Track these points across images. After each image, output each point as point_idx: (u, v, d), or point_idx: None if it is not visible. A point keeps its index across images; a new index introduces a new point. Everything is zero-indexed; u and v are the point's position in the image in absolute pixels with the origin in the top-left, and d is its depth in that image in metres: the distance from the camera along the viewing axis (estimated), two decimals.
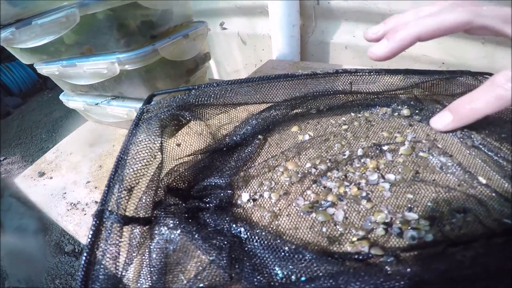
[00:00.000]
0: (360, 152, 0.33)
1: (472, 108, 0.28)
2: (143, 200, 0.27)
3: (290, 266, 0.23)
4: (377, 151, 0.33)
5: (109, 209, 0.24)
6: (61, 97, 0.64)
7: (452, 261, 0.21)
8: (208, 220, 0.28)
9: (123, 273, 0.23)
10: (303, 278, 0.22)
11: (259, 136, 0.38)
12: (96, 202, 0.44)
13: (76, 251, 1.20)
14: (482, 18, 0.26)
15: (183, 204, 0.29)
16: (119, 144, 0.54)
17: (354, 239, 0.25)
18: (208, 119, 0.38)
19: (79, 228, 0.41)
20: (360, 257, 0.23)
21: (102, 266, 0.21)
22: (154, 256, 0.25)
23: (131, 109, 0.51)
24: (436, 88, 0.38)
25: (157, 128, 0.32)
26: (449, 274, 0.19)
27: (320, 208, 0.28)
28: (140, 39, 0.44)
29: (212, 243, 0.25)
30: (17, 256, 1.21)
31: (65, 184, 0.50)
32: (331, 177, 0.31)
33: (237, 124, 0.39)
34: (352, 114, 0.40)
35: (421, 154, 0.32)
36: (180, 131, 0.40)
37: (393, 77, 0.37)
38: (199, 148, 0.36)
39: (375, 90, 0.38)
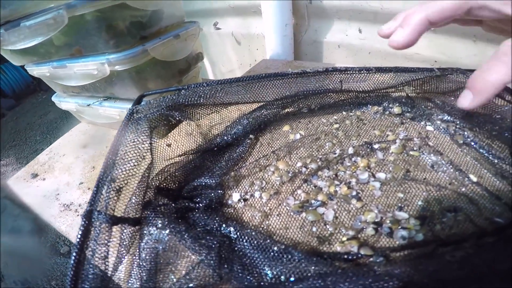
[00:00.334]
0: (351, 150, 0.33)
1: (487, 80, 0.28)
2: (133, 201, 0.27)
3: (280, 266, 0.23)
4: (368, 150, 0.33)
5: (98, 209, 0.24)
6: (53, 98, 0.64)
7: (441, 262, 0.21)
8: (197, 220, 0.28)
9: (113, 273, 0.23)
10: (292, 279, 0.22)
11: (251, 136, 0.37)
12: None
13: (71, 253, 1.19)
14: None
15: (173, 204, 0.29)
16: None
17: (344, 238, 0.25)
18: (199, 119, 0.38)
19: (72, 229, 0.40)
20: (350, 257, 0.23)
21: (91, 266, 0.21)
22: (144, 256, 0.25)
23: (123, 110, 0.50)
24: (427, 86, 0.38)
25: (147, 129, 0.32)
26: (439, 275, 0.19)
27: (310, 208, 0.28)
28: (130, 40, 0.43)
29: (202, 243, 0.25)
30: (13, 257, 1.21)
31: (58, 185, 0.50)
32: (321, 176, 0.31)
33: (229, 124, 0.39)
34: (344, 112, 0.40)
35: (412, 152, 0.32)
36: (170, 132, 0.40)
37: (384, 75, 0.37)
38: (190, 149, 0.36)
39: (366, 89, 0.38)
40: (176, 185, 0.33)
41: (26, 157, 1.89)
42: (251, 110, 0.40)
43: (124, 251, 0.25)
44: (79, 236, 0.22)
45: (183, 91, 0.35)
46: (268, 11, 0.75)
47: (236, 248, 0.25)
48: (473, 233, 0.24)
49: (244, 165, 0.35)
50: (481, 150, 0.31)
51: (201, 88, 0.35)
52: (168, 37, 0.47)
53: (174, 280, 0.24)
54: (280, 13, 0.74)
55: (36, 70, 0.54)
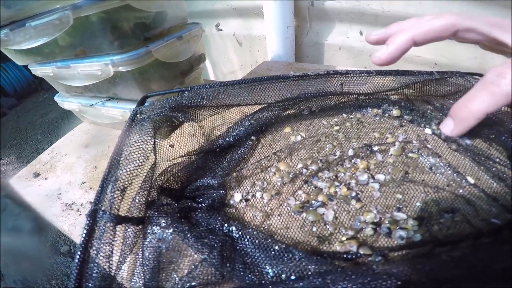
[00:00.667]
0: (351, 152, 0.33)
1: (469, 110, 0.28)
2: (137, 200, 0.28)
3: (281, 265, 0.23)
4: (368, 152, 0.34)
5: (103, 208, 0.24)
6: (56, 98, 0.64)
7: (438, 262, 0.21)
8: (200, 220, 0.28)
9: (117, 272, 0.23)
10: (292, 277, 0.22)
11: (252, 137, 0.38)
12: (91, 202, 0.44)
13: (71, 252, 1.20)
14: (468, 20, 0.27)
15: (176, 204, 0.29)
16: (114, 145, 0.54)
17: (344, 238, 0.26)
18: (201, 121, 0.38)
19: (74, 228, 0.41)
20: (349, 257, 0.24)
21: (95, 265, 0.22)
22: (147, 255, 0.26)
23: (125, 110, 0.51)
24: (426, 89, 0.39)
25: (150, 130, 0.32)
26: (435, 274, 0.20)
27: (311, 208, 0.29)
28: (134, 41, 0.44)
29: (204, 242, 0.26)
30: (13, 256, 1.21)
31: (60, 185, 0.50)
32: (322, 177, 0.32)
33: (230, 125, 0.39)
34: (344, 115, 0.41)
35: (411, 154, 0.33)
36: (173, 132, 0.40)
37: (384, 78, 0.38)
38: (192, 149, 0.36)
39: (366, 91, 0.39)
40: (179, 185, 0.33)
41: (27, 156, 1.90)
42: (252, 111, 0.40)
43: (127, 250, 0.25)
44: (83, 235, 0.22)
45: (186, 92, 0.35)
46: (270, 12, 0.76)
47: (238, 247, 0.26)
48: (470, 234, 0.24)
49: (245, 166, 0.35)
50: (479, 153, 0.31)
51: (204, 89, 0.35)
52: (171, 39, 0.48)
53: (177, 279, 0.24)
54: (282, 15, 0.75)
55: (40, 70, 0.55)
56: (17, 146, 2.06)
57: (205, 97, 0.35)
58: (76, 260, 0.21)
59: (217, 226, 0.27)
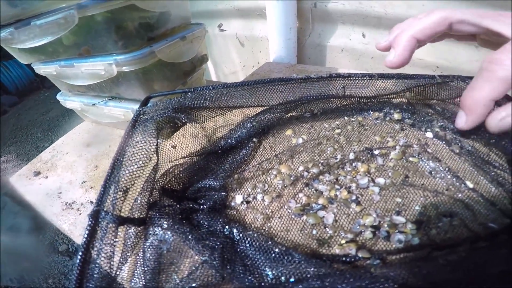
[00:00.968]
0: (351, 156, 0.34)
1: (473, 99, 0.28)
2: (138, 201, 0.28)
3: (280, 267, 0.23)
4: (369, 155, 0.34)
5: (105, 209, 0.25)
6: (58, 96, 0.65)
7: (436, 265, 0.21)
8: (201, 221, 0.29)
9: (118, 272, 0.24)
10: (292, 279, 0.22)
11: (254, 139, 0.38)
12: (91, 202, 0.45)
13: (70, 251, 1.20)
14: (459, 13, 0.28)
15: (178, 206, 0.30)
16: (115, 144, 0.55)
17: (343, 241, 0.26)
18: (204, 122, 0.38)
19: (74, 227, 0.41)
20: (348, 260, 0.24)
21: (97, 265, 0.22)
22: (148, 256, 0.26)
23: (128, 110, 0.51)
24: (427, 93, 0.39)
25: (153, 130, 0.33)
26: (432, 278, 0.20)
27: (311, 211, 0.29)
28: (138, 41, 0.44)
29: (205, 243, 0.26)
30: (10, 255, 1.21)
31: (61, 183, 0.51)
32: (323, 180, 0.32)
33: (233, 127, 0.40)
34: (346, 118, 0.41)
35: (411, 159, 0.33)
36: (176, 133, 0.40)
37: (386, 81, 0.38)
38: (195, 150, 0.36)
39: (368, 95, 0.39)
40: (181, 186, 0.34)
41: (27, 154, 1.90)
42: (255, 113, 0.40)
43: (128, 251, 0.26)
44: (85, 236, 0.22)
45: (189, 93, 0.36)
46: (273, 14, 0.76)
47: (238, 249, 0.26)
48: (467, 238, 0.24)
49: (247, 168, 0.36)
50: (478, 158, 0.31)
51: (207, 91, 0.35)
52: (175, 39, 0.48)
53: (177, 280, 0.24)
54: (285, 16, 0.75)
55: (43, 69, 0.55)
56: (17, 143, 2.06)
57: (208, 98, 0.36)
58: (78, 260, 0.21)
59: (218, 228, 0.28)
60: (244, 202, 0.32)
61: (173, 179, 0.33)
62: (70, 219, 0.43)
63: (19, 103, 2.69)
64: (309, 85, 0.37)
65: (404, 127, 0.38)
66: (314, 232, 0.27)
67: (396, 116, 0.39)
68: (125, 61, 0.43)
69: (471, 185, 0.29)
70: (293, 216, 0.29)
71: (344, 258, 0.24)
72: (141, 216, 0.28)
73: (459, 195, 0.28)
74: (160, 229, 0.27)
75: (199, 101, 0.35)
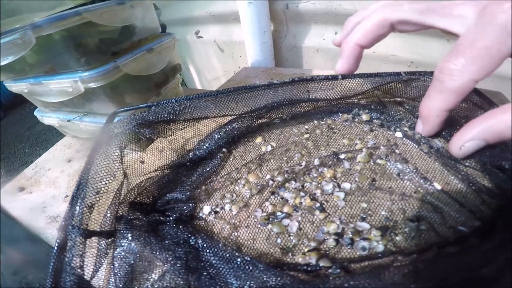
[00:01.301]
0: (317, 162, 0.33)
1: (427, 108, 0.28)
2: (108, 215, 0.28)
3: (244, 277, 0.23)
4: (335, 160, 0.34)
5: (72, 223, 0.25)
6: (36, 113, 0.64)
7: (399, 273, 0.21)
8: (167, 232, 0.29)
9: (90, 281, 0.24)
10: None
11: (224, 149, 0.38)
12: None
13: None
14: (398, 12, 0.27)
15: (144, 218, 0.30)
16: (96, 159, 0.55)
17: (306, 250, 0.26)
18: (171, 135, 0.38)
19: None
20: (310, 269, 0.24)
21: (67, 274, 0.22)
22: (117, 265, 0.26)
23: (102, 125, 0.51)
24: (395, 91, 0.38)
25: (116, 148, 0.32)
26: (396, 286, 0.20)
27: (276, 220, 0.29)
28: (101, 56, 0.44)
29: (169, 253, 0.26)
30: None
31: (45, 198, 0.51)
32: (289, 188, 0.32)
33: (201, 138, 0.39)
34: (315, 121, 0.41)
35: (379, 161, 0.33)
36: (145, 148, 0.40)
37: (351, 81, 0.37)
38: (163, 164, 0.36)
39: (334, 97, 0.39)
40: (151, 199, 0.33)
41: (16, 170, 1.88)
42: (222, 123, 0.40)
43: (101, 261, 0.26)
44: (55, 248, 0.23)
45: (153, 108, 0.35)
46: (246, 17, 0.76)
47: (203, 259, 0.26)
48: (435, 243, 0.24)
49: (216, 178, 0.35)
50: (449, 156, 0.31)
51: (170, 104, 0.35)
52: (141, 52, 0.48)
53: (149, 287, 0.25)
54: (258, 19, 0.75)
55: (15, 86, 0.55)
56: (5, 160, 2.03)
57: (172, 111, 0.35)
58: (50, 270, 0.22)
59: (183, 238, 0.28)
60: (212, 213, 0.31)
61: (143, 192, 0.33)
62: (55, 232, 0.43)
63: (5, 118, 2.66)
64: (274, 91, 0.37)
65: (374, 128, 0.38)
66: (279, 240, 0.27)
67: (365, 117, 0.39)
68: (90, 77, 0.42)
69: (439, 187, 0.28)
70: (259, 225, 0.29)
71: (305, 267, 0.24)
72: (110, 229, 0.28)
73: (428, 197, 0.28)
74: (125, 240, 0.27)
75: (163, 115, 0.35)
